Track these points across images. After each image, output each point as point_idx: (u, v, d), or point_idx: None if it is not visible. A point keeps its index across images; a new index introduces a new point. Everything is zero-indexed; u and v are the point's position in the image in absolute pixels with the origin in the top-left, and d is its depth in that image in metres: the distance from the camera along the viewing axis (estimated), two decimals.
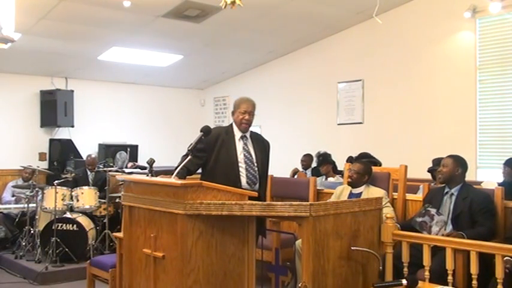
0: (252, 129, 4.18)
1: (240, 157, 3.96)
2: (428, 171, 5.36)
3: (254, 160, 3.99)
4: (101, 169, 7.29)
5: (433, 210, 3.83)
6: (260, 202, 3.15)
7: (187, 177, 3.79)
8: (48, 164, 8.62)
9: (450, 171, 4.01)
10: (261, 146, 4.12)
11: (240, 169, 3.92)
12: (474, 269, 3.10)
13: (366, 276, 3.26)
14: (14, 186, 7.40)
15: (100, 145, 9.01)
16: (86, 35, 7.19)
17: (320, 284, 2.98)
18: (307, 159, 7.69)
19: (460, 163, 4.05)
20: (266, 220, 4.17)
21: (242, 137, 4.03)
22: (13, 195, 7.52)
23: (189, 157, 3.60)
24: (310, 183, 5.14)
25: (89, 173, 7.25)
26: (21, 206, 6.88)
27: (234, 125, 4.07)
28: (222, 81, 10.15)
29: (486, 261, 3.21)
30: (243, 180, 3.91)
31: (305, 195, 5.10)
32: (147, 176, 3.76)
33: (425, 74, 7.05)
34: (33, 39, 7.04)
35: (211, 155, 3.93)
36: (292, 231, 4.14)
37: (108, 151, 8.65)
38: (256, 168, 3.98)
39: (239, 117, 4.01)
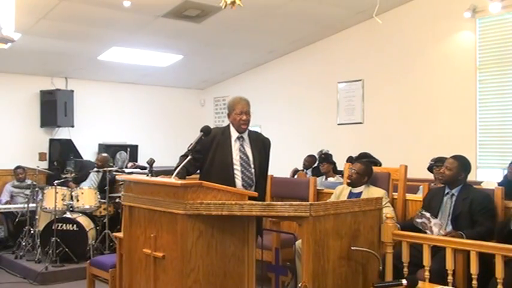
0: (252, 129, 4.13)
1: (236, 158, 3.88)
2: (428, 168, 5.34)
3: (251, 161, 3.91)
4: (101, 169, 7.27)
5: (427, 214, 3.83)
6: (260, 202, 3.13)
7: (187, 177, 3.77)
8: (48, 164, 8.62)
9: (453, 175, 3.98)
10: (260, 146, 4.03)
11: (235, 171, 3.85)
12: (474, 269, 3.10)
13: (366, 276, 3.26)
14: (14, 186, 7.40)
15: (100, 145, 9.01)
16: (86, 35, 7.20)
17: (320, 284, 2.98)
18: (309, 160, 7.70)
19: (464, 168, 4.00)
20: (262, 220, 4.15)
21: (239, 138, 3.96)
22: (11, 196, 7.51)
23: (189, 157, 3.60)
24: (310, 183, 5.13)
25: (92, 174, 7.20)
26: (21, 206, 6.88)
27: (231, 125, 4.01)
28: (222, 81, 10.15)
29: (486, 261, 3.21)
30: (238, 182, 3.84)
31: (305, 195, 5.09)
32: (147, 176, 3.76)
33: (426, 74, 7.05)
34: (33, 39, 7.04)
35: (207, 156, 3.88)
36: (292, 231, 4.13)
37: (108, 151, 8.63)
38: (252, 170, 3.90)
39: (236, 119, 3.93)
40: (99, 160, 7.24)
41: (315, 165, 7.45)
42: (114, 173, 6.76)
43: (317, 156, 7.43)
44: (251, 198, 3.21)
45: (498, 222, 3.86)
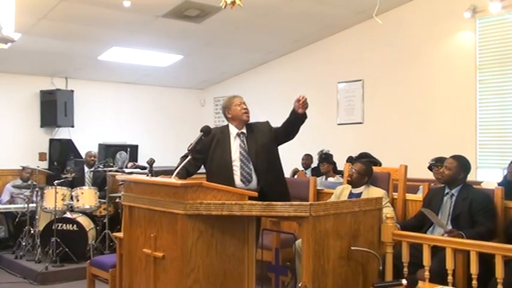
0: None
1: (235, 155, 3.91)
2: (429, 167, 5.34)
3: (251, 157, 3.92)
4: (100, 169, 7.28)
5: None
6: (260, 202, 3.12)
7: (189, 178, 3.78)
8: (48, 164, 8.62)
9: (452, 175, 3.98)
10: (261, 134, 4.03)
11: (234, 167, 3.88)
12: (474, 269, 3.10)
13: (366, 276, 3.26)
14: (14, 186, 7.39)
15: (100, 145, 9.01)
16: (86, 35, 7.19)
17: (320, 284, 2.98)
18: (306, 159, 7.71)
19: (463, 168, 4.00)
20: (261, 219, 4.14)
21: (239, 134, 3.99)
22: (11, 196, 7.50)
23: (189, 157, 3.60)
24: (310, 183, 5.13)
25: (86, 172, 7.21)
26: (22, 206, 6.88)
27: (230, 124, 4.04)
28: (222, 81, 10.15)
29: (486, 261, 3.21)
30: (237, 178, 3.87)
31: (305, 195, 5.09)
32: (147, 176, 3.76)
33: (425, 74, 7.05)
34: (33, 39, 7.03)
35: (207, 155, 3.92)
36: (292, 231, 4.14)
37: (108, 151, 8.65)
38: (251, 166, 3.90)
39: (237, 109, 3.98)
40: (89, 156, 7.25)
41: (315, 165, 7.45)
42: (108, 172, 6.72)
43: (317, 156, 7.44)
44: (251, 198, 3.22)
45: (502, 222, 3.86)
